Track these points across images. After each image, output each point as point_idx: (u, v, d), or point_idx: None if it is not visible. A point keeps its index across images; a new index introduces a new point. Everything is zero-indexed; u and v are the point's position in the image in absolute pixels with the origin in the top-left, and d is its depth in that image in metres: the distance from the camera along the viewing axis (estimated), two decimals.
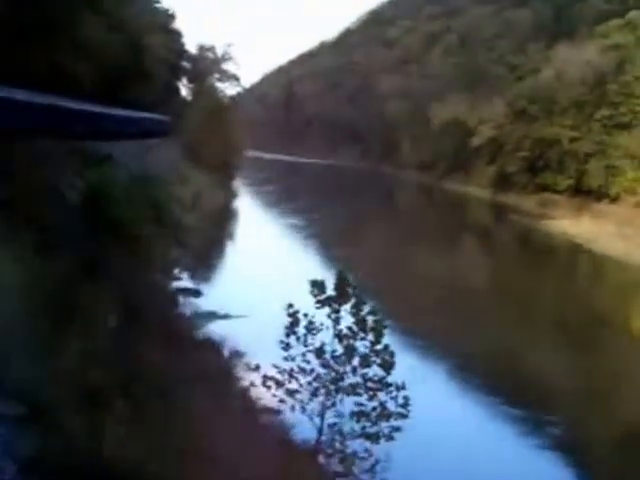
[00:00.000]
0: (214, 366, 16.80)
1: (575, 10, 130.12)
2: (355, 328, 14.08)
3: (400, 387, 13.90)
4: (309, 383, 14.44)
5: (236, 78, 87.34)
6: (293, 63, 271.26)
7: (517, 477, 18.68)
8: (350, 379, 14.25)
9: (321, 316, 15.04)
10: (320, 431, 14.20)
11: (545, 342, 35.10)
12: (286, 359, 14.84)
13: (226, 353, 18.72)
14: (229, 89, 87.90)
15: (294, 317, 14.64)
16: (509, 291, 47.57)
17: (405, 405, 13.81)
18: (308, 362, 14.62)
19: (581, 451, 22.19)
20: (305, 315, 14.74)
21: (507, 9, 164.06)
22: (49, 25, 32.60)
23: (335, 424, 14.21)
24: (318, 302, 14.54)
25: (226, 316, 26.83)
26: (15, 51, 31.42)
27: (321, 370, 14.44)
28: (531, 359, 31.32)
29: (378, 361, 13.85)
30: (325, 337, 14.83)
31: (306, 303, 34.68)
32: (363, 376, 14.16)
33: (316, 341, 14.60)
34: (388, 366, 13.82)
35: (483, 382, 26.49)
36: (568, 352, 34.07)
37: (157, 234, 29.18)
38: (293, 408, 14.65)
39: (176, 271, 34.17)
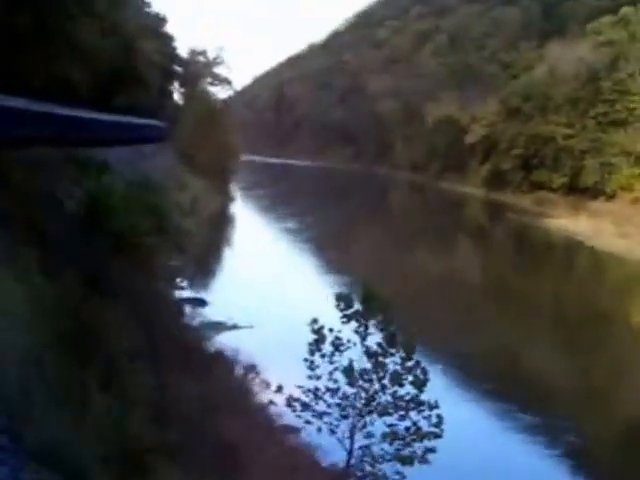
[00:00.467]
0: (233, 387, 16.04)
1: (565, 8, 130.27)
2: (384, 344, 13.18)
3: (433, 405, 13.06)
4: (338, 404, 13.49)
5: (228, 82, 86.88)
6: (282, 66, 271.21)
7: None
8: (381, 398, 13.30)
9: (345, 331, 14.17)
10: (350, 453, 13.31)
11: (568, 333, 35.82)
12: (310, 377, 13.86)
13: (242, 370, 17.91)
14: (221, 93, 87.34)
15: (319, 333, 13.67)
16: (523, 287, 47.24)
17: (438, 424, 12.99)
18: (335, 381, 13.67)
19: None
20: (330, 330, 13.79)
21: (496, 8, 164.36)
22: (45, 30, 31.85)
23: (366, 446, 13.31)
24: (344, 317, 13.59)
25: (234, 327, 26.14)
26: (10, 57, 30.71)
27: (349, 389, 13.52)
28: (554, 353, 31.22)
29: (410, 378, 12.99)
30: (351, 354, 13.90)
31: (311, 311, 34.60)
32: (393, 394, 13.25)
33: (343, 358, 13.64)
34: (420, 384, 12.97)
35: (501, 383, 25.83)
36: (591, 341, 34.49)
37: (158, 242, 28.47)
38: (320, 429, 13.69)
39: (178, 280, 33.43)
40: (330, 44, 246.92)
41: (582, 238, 67.49)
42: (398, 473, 13.02)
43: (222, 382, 15.54)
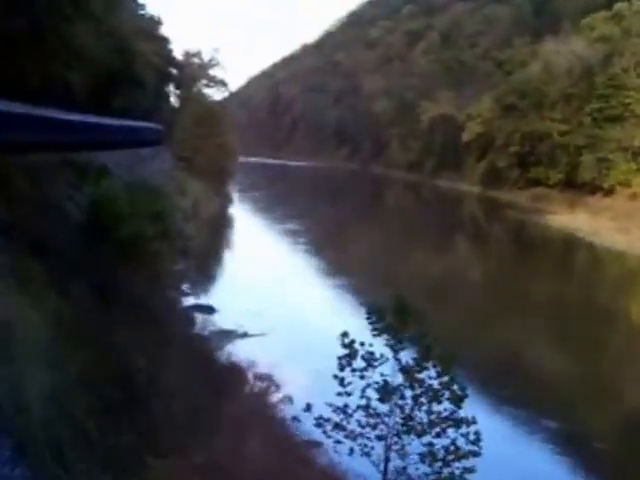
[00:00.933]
0: (254, 402, 15.48)
1: (557, 4, 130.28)
2: (419, 358, 12.49)
3: (471, 421, 12.42)
4: (371, 424, 12.69)
5: (224, 83, 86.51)
6: (276, 66, 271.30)
7: None
8: (418, 417, 12.54)
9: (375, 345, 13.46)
10: (385, 475, 12.58)
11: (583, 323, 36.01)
12: (340, 394, 13.11)
13: (261, 384, 17.26)
14: (217, 94, 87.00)
15: (351, 348, 12.96)
16: (529, 285, 47.03)
17: (477, 441, 12.36)
18: (369, 399, 12.92)
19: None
20: (362, 344, 13.07)
21: (487, 6, 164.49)
22: (41, 32, 31.30)
23: (403, 467, 12.56)
24: (375, 330, 12.87)
25: (245, 335, 25.63)
26: (5, 59, 30.18)
27: (383, 407, 12.77)
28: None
29: (447, 395, 12.32)
30: (383, 369, 13.16)
31: (318, 316, 34.30)
32: (428, 411, 12.50)
33: (374, 374, 12.90)
34: (458, 400, 12.33)
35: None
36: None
37: (163, 248, 27.95)
38: (352, 451, 12.87)
39: (184, 286, 32.92)
40: (323, 44, 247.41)
41: (582, 234, 67.28)
42: None
43: (245, 400, 14.98)
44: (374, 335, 13.00)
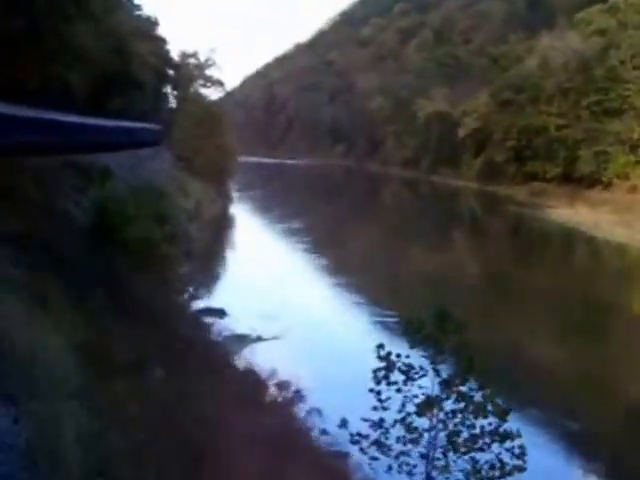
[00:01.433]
0: (281, 414, 15.03)
1: None
2: (459, 371, 11.85)
3: (515, 435, 11.86)
4: (412, 440, 12.07)
5: (220, 83, 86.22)
6: (270, 66, 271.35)
7: None
8: (463, 433, 11.87)
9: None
10: None
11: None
12: (375, 408, 12.47)
13: (286, 393, 16.72)
14: (213, 94, 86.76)
15: (388, 360, 12.29)
16: (538, 280, 46.71)
17: (522, 455, 11.82)
18: (409, 414, 12.27)
19: None
20: (398, 356, 12.42)
21: (479, 2, 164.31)
22: (40, 32, 30.96)
23: None
24: (413, 341, 12.24)
25: (259, 339, 25.23)
26: (4, 60, 29.87)
27: (421, 421, 12.12)
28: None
29: (489, 408, 11.73)
30: (419, 382, 12.53)
31: (328, 316, 33.98)
32: (470, 425, 11.88)
33: (412, 387, 12.26)
34: (503, 413, 11.75)
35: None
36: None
37: (170, 251, 27.61)
38: (390, 468, 12.28)
39: (192, 289, 32.53)
40: (316, 44, 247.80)
41: (583, 228, 66.96)
42: None
43: (272, 412, 14.52)
44: (411, 346, 12.40)
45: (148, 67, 55.88)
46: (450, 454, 11.79)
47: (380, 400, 12.11)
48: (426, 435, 11.95)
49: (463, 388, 11.77)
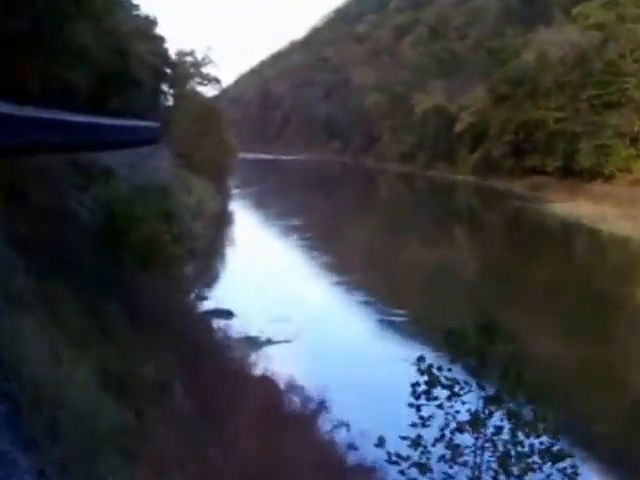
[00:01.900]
0: (307, 427, 14.50)
1: None
2: (507, 386, 10.97)
3: (568, 455, 11.09)
4: (456, 461, 11.18)
5: (217, 81, 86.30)
6: (265, 64, 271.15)
7: None
8: (512, 451, 11.00)
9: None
10: None
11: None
12: (414, 425, 11.60)
13: (308, 405, 16.04)
14: (210, 92, 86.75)
15: (430, 374, 11.37)
16: (544, 269, 47.07)
17: (574, 475, 11.08)
18: (453, 432, 11.37)
19: None
20: (439, 369, 11.57)
21: None
22: (43, 32, 30.48)
23: None
24: (455, 353, 11.41)
25: (269, 341, 24.70)
26: (5, 59, 29.39)
27: (463, 438, 11.27)
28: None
29: (542, 426, 10.91)
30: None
31: (335, 317, 33.51)
32: (516, 443, 11.06)
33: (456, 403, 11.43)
34: (555, 431, 10.97)
35: None
36: None
37: (177, 251, 27.10)
38: None
39: (198, 290, 32.04)
40: (311, 41, 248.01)
41: (587, 222, 66.26)
42: None
43: (298, 425, 13.98)
44: (453, 360, 11.61)
45: (147, 66, 55.47)
46: (502, 477, 10.86)
47: (422, 418, 11.20)
48: (471, 455, 11.08)
49: (512, 405, 10.88)
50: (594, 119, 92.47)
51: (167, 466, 8.51)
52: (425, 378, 11.13)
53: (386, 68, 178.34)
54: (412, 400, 11.24)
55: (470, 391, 10.96)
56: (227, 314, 27.50)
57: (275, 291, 34.73)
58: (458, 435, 10.95)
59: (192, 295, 29.75)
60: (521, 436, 10.64)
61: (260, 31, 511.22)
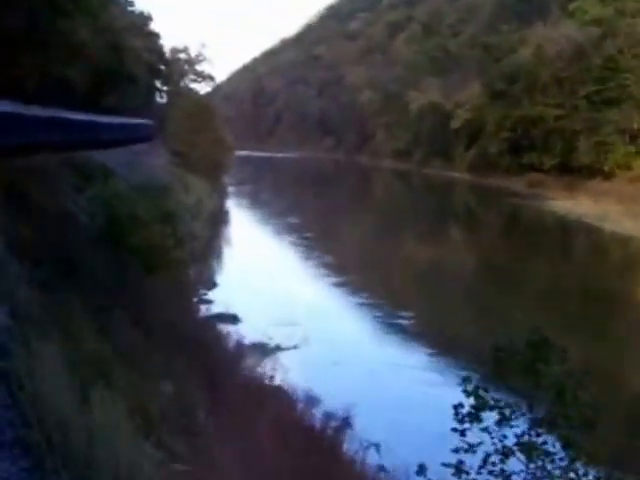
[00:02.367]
0: (335, 446, 13.55)
1: None
2: (563, 407, 9.86)
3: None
4: None
5: (211, 78, 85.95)
6: (257, 61, 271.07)
7: None
8: None
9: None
10: None
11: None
12: (457, 450, 10.47)
13: (330, 422, 14.94)
14: (203, 89, 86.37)
15: (477, 396, 10.16)
16: (554, 270, 46.14)
17: None
18: (503, 461, 10.17)
19: None
20: (485, 390, 10.35)
21: None
22: (40, 29, 29.79)
23: None
24: (506, 373, 10.27)
25: (277, 348, 23.70)
26: (4, 57, 28.72)
27: (511, 465, 10.10)
28: None
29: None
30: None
31: (341, 321, 32.59)
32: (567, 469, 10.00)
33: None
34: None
35: None
36: None
37: (179, 253, 26.12)
38: None
39: (200, 292, 31.03)
40: (303, 38, 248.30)
41: (589, 220, 65.25)
42: None
43: (324, 443, 13.06)
44: (500, 380, 10.55)
45: (141, 62, 54.60)
46: None
47: (470, 446, 10.07)
48: None
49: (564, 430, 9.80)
50: (593, 116, 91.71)
51: None
52: (471, 401, 10.12)
53: (379, 65, 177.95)
54: (455, 424, 10.19)
55: (522, 414, 9.90)
56: (233, 319, 26.48)
57: (275, 292, 33.81)
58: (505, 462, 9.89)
59: (195, 298, 28.73)
60: (576, 464, 9.57)
61: (252, 28, 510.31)
